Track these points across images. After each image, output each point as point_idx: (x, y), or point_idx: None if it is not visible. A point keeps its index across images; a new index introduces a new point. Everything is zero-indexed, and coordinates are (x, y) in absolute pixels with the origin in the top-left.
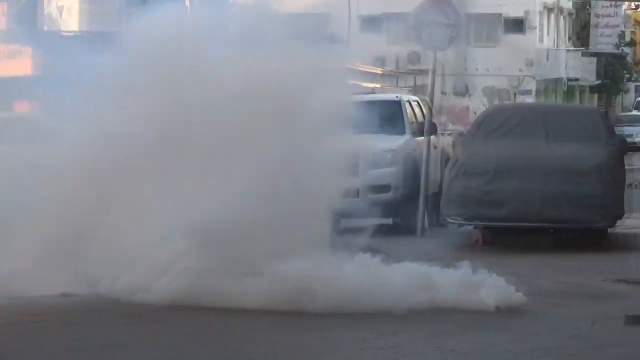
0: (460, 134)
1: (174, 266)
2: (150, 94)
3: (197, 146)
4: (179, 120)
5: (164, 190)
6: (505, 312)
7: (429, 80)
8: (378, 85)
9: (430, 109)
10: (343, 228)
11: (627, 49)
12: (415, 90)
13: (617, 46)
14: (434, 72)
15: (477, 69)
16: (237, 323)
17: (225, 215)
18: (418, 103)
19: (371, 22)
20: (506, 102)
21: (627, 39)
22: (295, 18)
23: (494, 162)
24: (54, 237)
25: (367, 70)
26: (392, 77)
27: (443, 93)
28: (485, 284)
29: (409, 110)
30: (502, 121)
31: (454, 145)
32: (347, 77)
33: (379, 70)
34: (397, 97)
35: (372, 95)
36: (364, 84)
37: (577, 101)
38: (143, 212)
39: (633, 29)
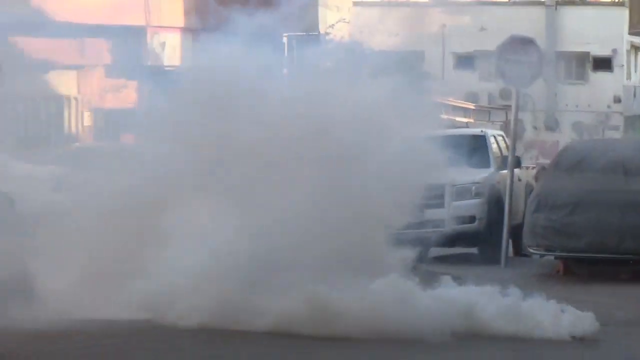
0: (543, 168)
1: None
2: (206, 130)
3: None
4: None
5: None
6: (578, 341)
7: (512, 116)
8: (471, 120)
9: (513, 143)
10: (432, 256)
11: None
12: (506, 125)
13: None
14: (517, 107)
15: (567, 105)
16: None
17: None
18: (503, 137)
19: (465, 60)
20: (593, 137)
21: None
22: (390, 55)
23: (574, 195)
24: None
25: (460, 105)
26: (485, 112)
27: (535, 128)
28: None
29: (493, 144)
30: (582, 156)
31: (536, 179)
32: (436, 111)
33: (471, 106)
34: (482, 131)
35: (458, 129)
36: (458, 119)
37: None
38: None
39: None
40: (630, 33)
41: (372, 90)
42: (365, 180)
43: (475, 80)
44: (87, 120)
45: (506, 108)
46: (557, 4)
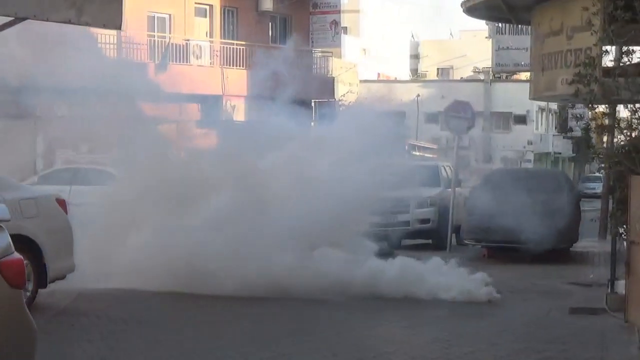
0: (474, 187)
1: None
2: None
3: None
4: None
5: None
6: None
7: (453, 152)
8: (435, 155)
9: (456, 171)
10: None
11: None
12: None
13: (585, 132)
14: (457, 147)
15: (497, 146)
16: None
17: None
18: (450, 167)
19: (432, 116)
20: (512, 167)
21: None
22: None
23: (492, 205)
24: None
25: (428, 145)
26: (443, 150)
27: (476, 161)
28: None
29: (443, 171)
30: (499, 179)
31: (469, 194)
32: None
33: (435, 146)
34: (435, 163)
35: (419, 161)
36: (426, 154)
37: (560, 167)
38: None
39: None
40: (530, 99)
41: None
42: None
43: (438, 130)
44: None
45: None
46: (491, 81)
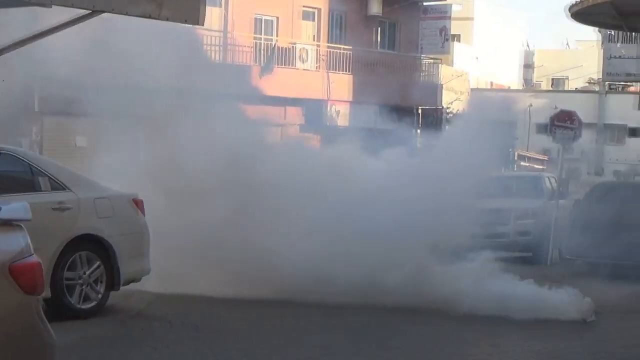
0: (577, 200)
1: None
2: None
3: None
4: None
5: None
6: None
7: (559, 163)
8: (544, 167)
9: (559, 182)
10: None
11: None
12: (569, 171)
13: None
14: (562, 158)
15: (609, 159)
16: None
17: None
18: (555, 178)
19: (543, 127)
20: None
21: None
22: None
23: (597, 219)
24: None
25: (538, 157)
26: (554, 161)
27: (588, 173)
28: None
29: (547, 182)
30: (605, 192)
31: (572, 207)
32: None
33: (545, 157)
34: (539, 174)
35: (523, 172)
36: (536, 166)
37: None
38: None
39: None
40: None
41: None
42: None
43: (549, 141)
44: None
45: (568, 160)
46: (606, 92)
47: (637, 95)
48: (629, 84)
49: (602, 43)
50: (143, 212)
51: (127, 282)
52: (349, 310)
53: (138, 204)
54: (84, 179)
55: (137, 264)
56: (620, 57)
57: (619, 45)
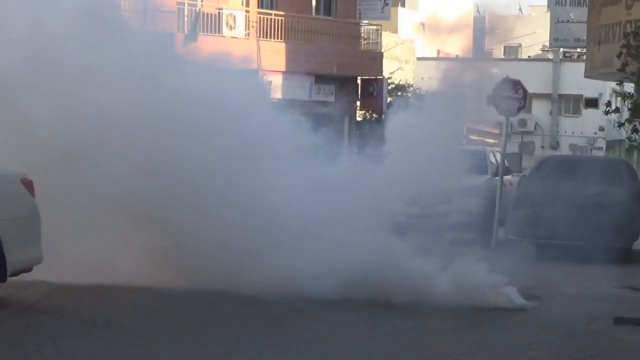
0: (524, 176)
1: None
2: None
3: None
4: None
5: None
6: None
7: (502, 137)
8: (496, 141)
9: (503, 157)
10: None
11: None
12: (521, 145)
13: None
14: (507, 130)
15: (565, 132)
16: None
17: None
18: (499, 154)
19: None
20: (561, 154)
21: None
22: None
23: (542, 197)
24: None
25: (489, 130)
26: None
27: (542, 147)
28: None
29: (491, 157)
30: (551, 167)
31: (518, 184)
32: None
33: (496, 131)
34: (482, 148)
35: (466, 146)
36: (487, 140)
37: (634, 156)
38: None
39: None
40: (586, 76)
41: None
42: None
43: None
44: None
45: (522, 133)
46: (561, 60)
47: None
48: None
49: (548, 6)
50: (33, 194)
51: (16, 273)
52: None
53: (27, 184)
54: None
55: (28, 252)
56: (568, 21)
57: (567, 8)
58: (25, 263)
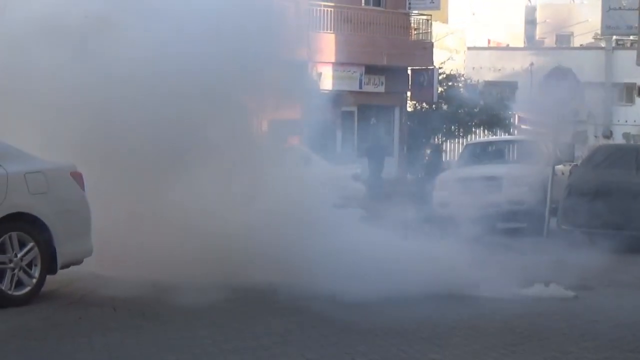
0: (576, 165)
1: None
2: None
3: None
4: None
5: None
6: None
7: (554, 126)
8: (544, 130)
9: (554, 146)
10: (498, 229)
11: None
12: (574, 134)
13: None
14: (559, 120)
15: (618, 120)
16: None
17: None
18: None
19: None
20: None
21: None
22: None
23: (595, 186)
24: None
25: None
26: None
27: (595, 136)
28: None
29: (543, 147)
30: (604, 156)
31: (570, 173)
32: None
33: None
34: (534, 137)
35: (518, 136)
36: (537, 128)
37: None
38: None
39: None
40: (638, 64)
41: None
42: None
43: None
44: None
45: (574, 122)
46: (613, 48)
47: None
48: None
49: None
50: (83, 187)
51: (67, 265)
52: None
53: (77, 177)
54: (14, 150)
55: (77, 245)
56: (620, 8)
57: None
58: (76, 255)
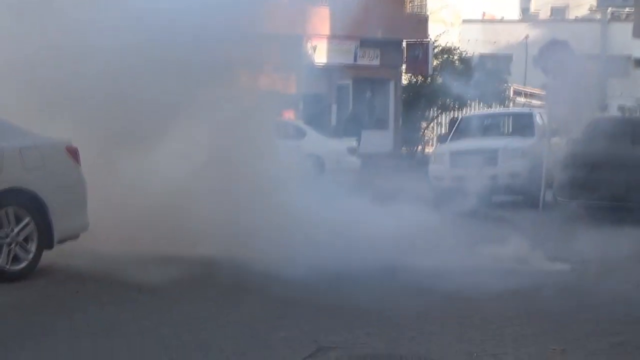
0: (571, 138)
1: None
2: None
3: None
4: None
5: None
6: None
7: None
8: (539, 102)
9: (550, 119)
10: (492, 202)
11: None
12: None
13: None
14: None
15: (613, 93)
16: None
17: None
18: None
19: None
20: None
21: None
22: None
23: (591, 158)
24: None
25: (534, 91)
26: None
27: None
28: None
29: (538, 119)
30: (600, 129)
31: (566, 146)
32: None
33: (542, 92)
34: (529, 110)
35: (513, 108)
36: (533, 102)
37: None
38: None
39: None
40: (635, 37)
41: None
42: None
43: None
44: None
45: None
46: (608, 20)
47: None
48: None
49: None
50: (79, 161)
51: (63, 240)
52: None
53: (72, 152)
54: (9, 126)
55: (74, 220)
56: None
57: None
58: (72, 230)
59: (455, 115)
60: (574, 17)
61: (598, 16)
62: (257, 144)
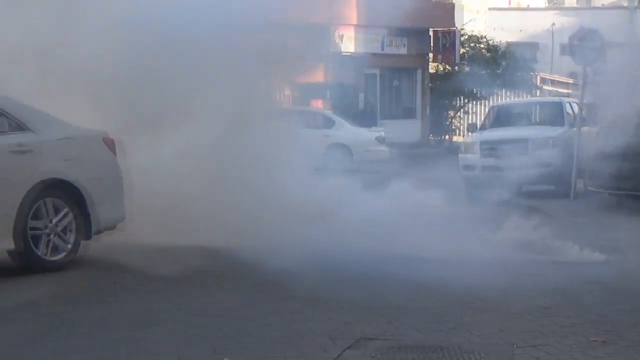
0: (602, 127)
1: None
2: None
3: None
4: None
5: None
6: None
7: (580, 87)
8: (570, 91)
9: (580, 109)
10: (523, 191)
11: None
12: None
13: None
14: (584, 80)
15: None
16: None
17: None
18: (577, 104)
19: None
20: None
21: None
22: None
23: (623, 147)
24: None
25: (562, 80)
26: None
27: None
28: None
29: (568, 109)
30: (632, 116)
31: (597, 135)
32: None
33: (571, 81)
34: (559, 99)
35: (542, 97)
36: (560, 90)
37: None
38: None
39: None
40: None
41: None
42: None
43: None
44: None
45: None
46: (636, 7)
47: None
48: None
49: None
50: (115, 152)
51: (101, 230)
52: None
53: (109, 143)
54: (47, 117)
55: (111, 210)
56: None
57: None
58: (109, 221)
59: (489, 104)
60: (600, 4)
61: (625, 3)
62: (272, 134)
